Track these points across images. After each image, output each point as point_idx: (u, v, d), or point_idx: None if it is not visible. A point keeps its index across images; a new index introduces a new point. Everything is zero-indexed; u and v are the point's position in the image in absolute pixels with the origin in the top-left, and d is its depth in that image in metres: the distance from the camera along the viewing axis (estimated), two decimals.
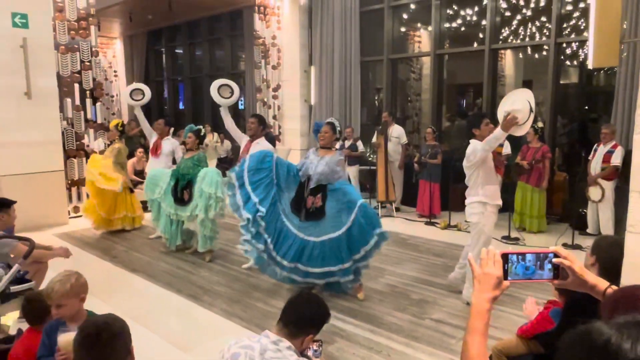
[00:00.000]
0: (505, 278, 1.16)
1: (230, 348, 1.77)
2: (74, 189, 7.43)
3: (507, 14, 8.41)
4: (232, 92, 5.27)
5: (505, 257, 1.17)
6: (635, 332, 0.55)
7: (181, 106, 14.32)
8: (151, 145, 6.31)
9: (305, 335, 1.87)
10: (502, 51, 9.52)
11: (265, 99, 10.14)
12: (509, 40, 8.99)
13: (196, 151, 5.57)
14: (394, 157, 7.50)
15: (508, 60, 10.82)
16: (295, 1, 9.65)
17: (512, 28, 9.10)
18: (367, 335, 3.55)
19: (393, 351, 3.32)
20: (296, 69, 9.87)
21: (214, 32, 12.46)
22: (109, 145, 6.89)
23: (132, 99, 6.17)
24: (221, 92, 5.20)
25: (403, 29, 9.25)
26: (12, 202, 3.70)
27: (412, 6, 8.58)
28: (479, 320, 1.10)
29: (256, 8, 9.72)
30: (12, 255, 3.26)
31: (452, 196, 7.04)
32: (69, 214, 7.22)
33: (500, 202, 3.99)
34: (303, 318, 1.88)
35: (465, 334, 1.12)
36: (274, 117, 10.13)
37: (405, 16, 8.98)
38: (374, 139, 7.64)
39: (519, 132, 3.75)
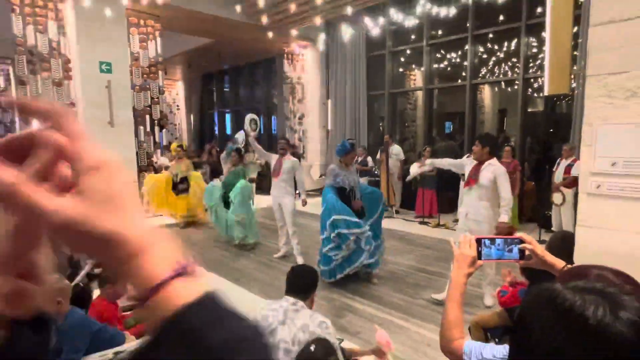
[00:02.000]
0: (479, 258, 1.15)
1: (260, 311, 1.86)
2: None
3: (484, 56, 8.36)
4: (256, 126, 5.31)
5: (479, 241, 1.17)
6: (594, 299, 0.53)
7: (228, 131, 14.53)
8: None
9: (312, 295, 1.99)
10: (481, 86, 9.44)
11: (293, 126, 10.24)
12: (486, 77, 8.93)
13: (238, 165, 5.68)
14: (393, 170, 7.47)
15: (486, 93, 10.72)
16: (315, 49, 9.77)
17: (489, 67, 9.03)
18: (371, 311, 3.53)
19: (393, 324, 3.29)
20: (316, 102, 9.97)
21: (253, 74, 12.68)
22: (171, 161, 7.02)
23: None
24: (250, 125, 5.24)
25: (401, 69, 9.27)
26: None
27: (408, 51, 8.60)
28: (457, 291, 1.10)
29: (285, 55, 9.88)
30: None
31: (441, 201, 6.96)
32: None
33: (460, 210, 3.65)
34: (307, 284, 2.00)
35: (445, 302, 1.11)
36: (300, 140, 10.21)
37: (402, 59, 9.00)
38: (378, 156, 7.64)
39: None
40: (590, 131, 1.66)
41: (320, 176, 10.10)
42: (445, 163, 3.76)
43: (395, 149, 7.61)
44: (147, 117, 7.45)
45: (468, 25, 7.23)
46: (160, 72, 7.62)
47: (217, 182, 6.01)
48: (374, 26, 8.33)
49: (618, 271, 0.90)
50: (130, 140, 7.02)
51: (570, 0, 2.19)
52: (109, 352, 1.73)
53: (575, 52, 5.61)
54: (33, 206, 0.28)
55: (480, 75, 8.35)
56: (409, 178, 4.12)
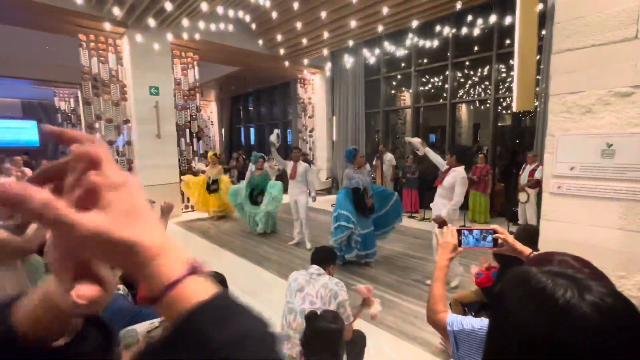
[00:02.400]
0: (459, 245, 1.13)
1: (292, 275, 2.04)
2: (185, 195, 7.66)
3: (462, 79, 8.29)
4: (279, 139, 5.21)
5: (459, 231, 1.15)
6: (564, 283, 0.50)
7: (252, 142, 14.61)
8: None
9: (329, 266, 2.09)
10: (459, 104, 9.35)
11: (305, 137, 10.25)
12: (463, 97, 8.84)
13: (262, 170, 5.68)
14: (386, 173, 7.43)
15: (463, 111, 10.61)
16: (323, 75, 9.77)
17: (465, 89, 8.94)
18: None
19: (386, 300, 3.25)
20: (323, 118, 9.95)
21: (272, 96, 12.71)
22: (207, 166, 7.06)
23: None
24: (276, 138, 5.17)
25: (393, 91, 9.22)
26: (152, 202, 3.76)
27: (399, 76, 8.56)
28: (441, 272, 1.08)
29: (298, 80, 9.90)
30: None
31: (426, 198, 6.92)
32: (182, 210, 7.42)
33: (431, 205, 3.62)
34: (325, 258, 2.10)
35: (432, 282, 1.10)
36: (310, 149, 10.21)
37: (394, 83, 8.96)
38: (374, 162, 7.60)
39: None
40: (552, 141, 1.62)
41: (327, 178, 10.08)
42: (435, 159, 3.77)
43: (388, 157, 7.57)
44: (187, 130, 7.51)
45: (448, 54, 7.18)
46: (197, 95, 7.67)
47: (243, 184, 6.00)
48: (371, 56, 8.32)
49: (576, 257, 0.88)
50: (173, 149, 7.08)
51: (534, 33, 2.16)
52: (155, 321, 1.71)
53: (537, 76, 5.54)
54: (64, 220, 0.27)
55: (459, 95, 8.26)
56: (407, 139, 4.06)
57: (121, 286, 2.17)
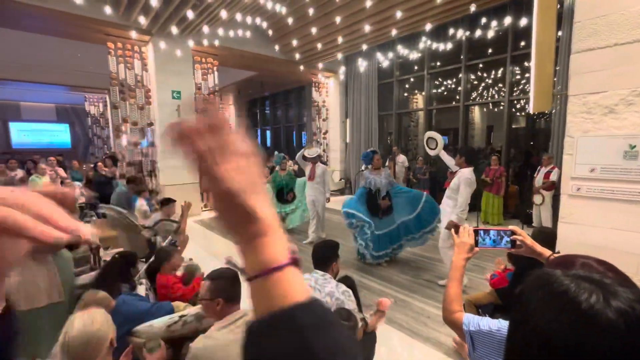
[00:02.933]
0: (476, 245, 1.09)
1: None
2: (204, 194, 7.74)
3: (475, 82, 8.10)
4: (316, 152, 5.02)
5: (476, 231, 1.11)
6: (589, 287, 0.47)
7: (268, 144, 14.72)
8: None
9: (332, 263, 1.91)
10: (472, 107, 9.15)
11: (319, 139, 10.25)
12: (477, 99, 8.64)
13: (286, 170, 5.69)
14: (399, 175, 7.34)
15: (476, 113, 10.38)
16: (337, 78, 9.75)
17: (479, 91, 8.74)
18: (382, 288, 3.45)
19: (398, 299, 3.20)
20: (337, 120, 9.92)
21: (288, 99, 12.77)
22: None
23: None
24: (307, 152, 5.03)
25: (405, 94, 9.11)
26: (173, 201, 3.83)
27: (412, 79, 8.44)
28: (457, 272, 1.05)
29: (313, 84, 9.90)
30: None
31: (437, 199, 6.78)
32: (202, 209, 7.53)
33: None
34: (326, 256, 1.94)
35: (447, 281, 1.06)
36: (324, 150, 10.20)
37: (407, 86, 8.84)
38: (387, 164, 7.51)
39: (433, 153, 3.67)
40: (571, 142, 1.55)
41: (340, 179, 10.04)
42: (449, 162, 3.70)
43: (401, 158, 7.48)
44: None
45: (462, 57, 7.02)
46: (217, 98, 7.78)
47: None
48: (384, 59, 8.24)
49: (601, 260, 0.83)
50: None
51: (552, 35, 2.08)
52: (175, 316, 1.72)
53: (554, 78, 5.34)
54: (215, 170, 0.30)
55: (472, 98, 8.07)
56: (429, 133, 3.94)
57: (144, 280, 2.21)
